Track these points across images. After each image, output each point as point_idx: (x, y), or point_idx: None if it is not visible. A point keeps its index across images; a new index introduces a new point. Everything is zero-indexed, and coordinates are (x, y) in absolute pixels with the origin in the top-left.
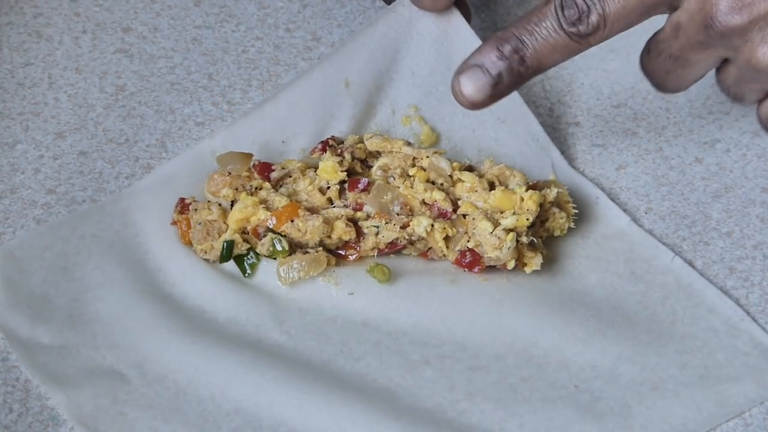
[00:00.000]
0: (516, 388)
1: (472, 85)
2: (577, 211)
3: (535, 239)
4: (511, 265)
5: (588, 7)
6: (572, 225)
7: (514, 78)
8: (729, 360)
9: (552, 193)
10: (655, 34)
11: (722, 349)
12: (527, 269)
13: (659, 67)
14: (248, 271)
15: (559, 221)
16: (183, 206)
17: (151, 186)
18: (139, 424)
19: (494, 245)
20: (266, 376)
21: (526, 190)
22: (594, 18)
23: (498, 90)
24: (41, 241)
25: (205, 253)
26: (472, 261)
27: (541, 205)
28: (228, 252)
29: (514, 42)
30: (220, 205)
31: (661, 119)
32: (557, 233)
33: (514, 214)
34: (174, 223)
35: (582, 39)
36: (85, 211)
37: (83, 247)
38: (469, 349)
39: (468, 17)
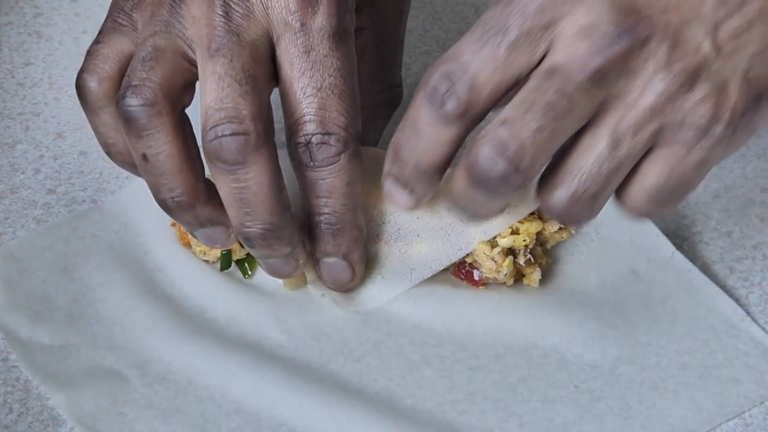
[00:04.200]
0: (516, 388)
1: (397, 201)
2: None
3: (532, 258)
4: (509, 282)
5: (451, 81)
6: (573, 232)
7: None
8: (729, 360)
9: (553, 226)
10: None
11: (722, 349)
12: (525, 281)
13: (528, 129)
14: (249, 272)
15: (558, 240)
16: None
17: None
18: (139, 424)
19: (491, 269)
20: (266, 377)
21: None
22: (461, 89)
23: (418, 199)
24: (41, 241)
25: (204, 254)
26: (470, 275)
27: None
28: (226, 261)
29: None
30: None
31: None
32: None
33: (512, 233)
34: (174, 224)
35: (459, 120)
36: (85, 211)
37: (83, 247)
38: (469, 349)
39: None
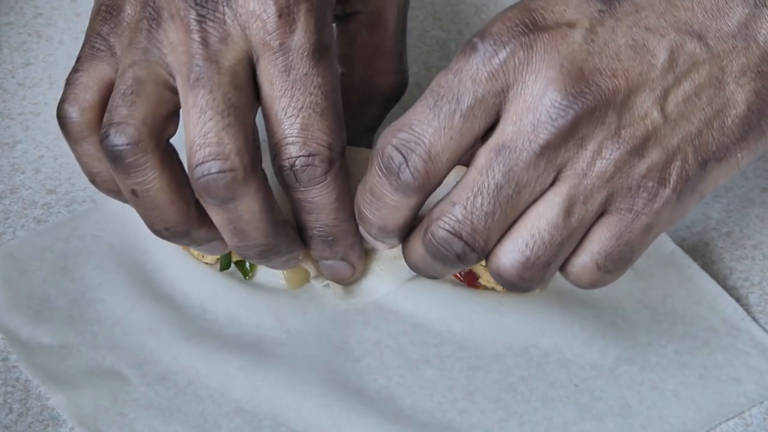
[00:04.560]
0: (516, 387)
1: (375, 246)
2: None
3: None
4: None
5: (406, 153)
6: None
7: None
8: (729, 360)
9: None
10: (448, 197)
11: (722, 349)
12: None
13: (480, 213)
14: (249, 273)
15: None
16: None
17: None
18: (139, 424)
19: (490, 280)
20: (267, 377)
21: None
22: (417, 161)
23: (393, 245)
24: (41, 241)
25: (203, 256)
26: (469, 276)
27: None
28: (226, 261)
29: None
30: None
31: None
32: None
33: None
34: None
35: (418, 191)
36: (85, 211)
37: (83, 247)
38: (469, 348)
39: None
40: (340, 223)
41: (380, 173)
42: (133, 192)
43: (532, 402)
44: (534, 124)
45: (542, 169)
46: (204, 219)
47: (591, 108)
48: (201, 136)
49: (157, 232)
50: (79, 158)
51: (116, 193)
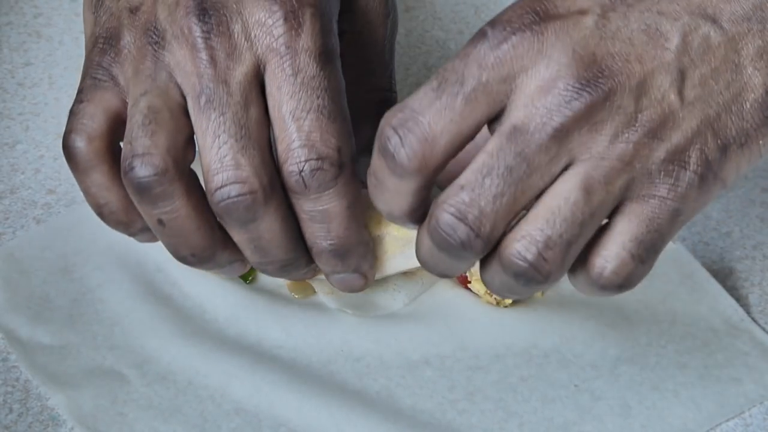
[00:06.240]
0: (516, 388)
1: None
2: None
3: None
4: (508, 302)
5: (402, 133)
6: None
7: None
8: (729, 360)
9: None
10: (462, 178)
11: (722, 349)
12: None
13: (488, 195)
14: (249, 278)
15: None
16: None
17: None
18: (139, 424)
19: (491, 302)
20: (266, 377)
21: None
22: (413, 141)
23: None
24: (41, 241)
25: None
26: (466, 279)
27: None
28: None
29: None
30: None
31: None
32: None
33: None
34: None
35: (415, 174)
36: (86, 211)
37: (83, 247)
38: (469, 348)
39: None
40: (353, 233)
41: (379, 155)
42: (160, 221)
43: (532, 402)
44: (547, 107)
45: (554, 153)
46: (227, 241)
47: (606, 93)
48: (217, 160)
49: (183, 259)
50: (86, 190)
51: (125, 225)
